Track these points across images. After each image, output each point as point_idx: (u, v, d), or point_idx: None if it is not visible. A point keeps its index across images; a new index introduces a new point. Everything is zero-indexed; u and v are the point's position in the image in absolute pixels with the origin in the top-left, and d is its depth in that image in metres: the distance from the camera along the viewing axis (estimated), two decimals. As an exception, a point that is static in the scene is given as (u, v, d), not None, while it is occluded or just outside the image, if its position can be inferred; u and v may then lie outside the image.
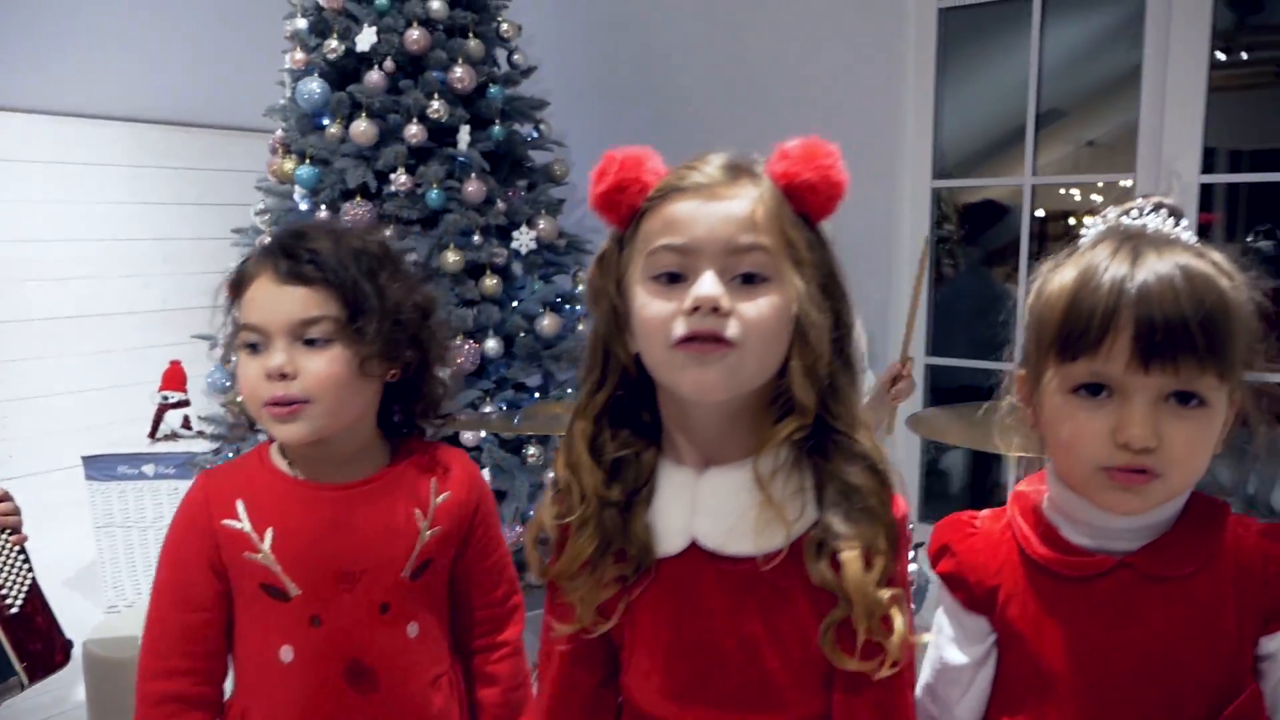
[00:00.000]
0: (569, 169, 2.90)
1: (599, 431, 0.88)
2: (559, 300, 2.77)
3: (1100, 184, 3.10)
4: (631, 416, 0.89)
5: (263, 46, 2.96)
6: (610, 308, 0.87)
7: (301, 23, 2.65)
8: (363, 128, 2.51)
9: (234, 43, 3.50)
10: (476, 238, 2.58)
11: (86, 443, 2.98)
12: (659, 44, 3.26)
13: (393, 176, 2.53)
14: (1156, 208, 0.86)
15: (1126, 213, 0.87)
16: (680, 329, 0.79)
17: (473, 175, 2.57)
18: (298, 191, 2.57)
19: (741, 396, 0.83)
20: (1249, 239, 3.05)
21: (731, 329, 0.79)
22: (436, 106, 2.55)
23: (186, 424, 3.04)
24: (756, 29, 3.05)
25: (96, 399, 3.37)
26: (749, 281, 0.81)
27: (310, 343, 1.01)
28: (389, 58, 2.55)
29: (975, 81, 3.13)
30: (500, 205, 2.65)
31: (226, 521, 1.04)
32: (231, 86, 3.46)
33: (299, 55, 2.62)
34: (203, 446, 2.76)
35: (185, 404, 3.07)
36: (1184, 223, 0.86)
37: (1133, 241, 0.82)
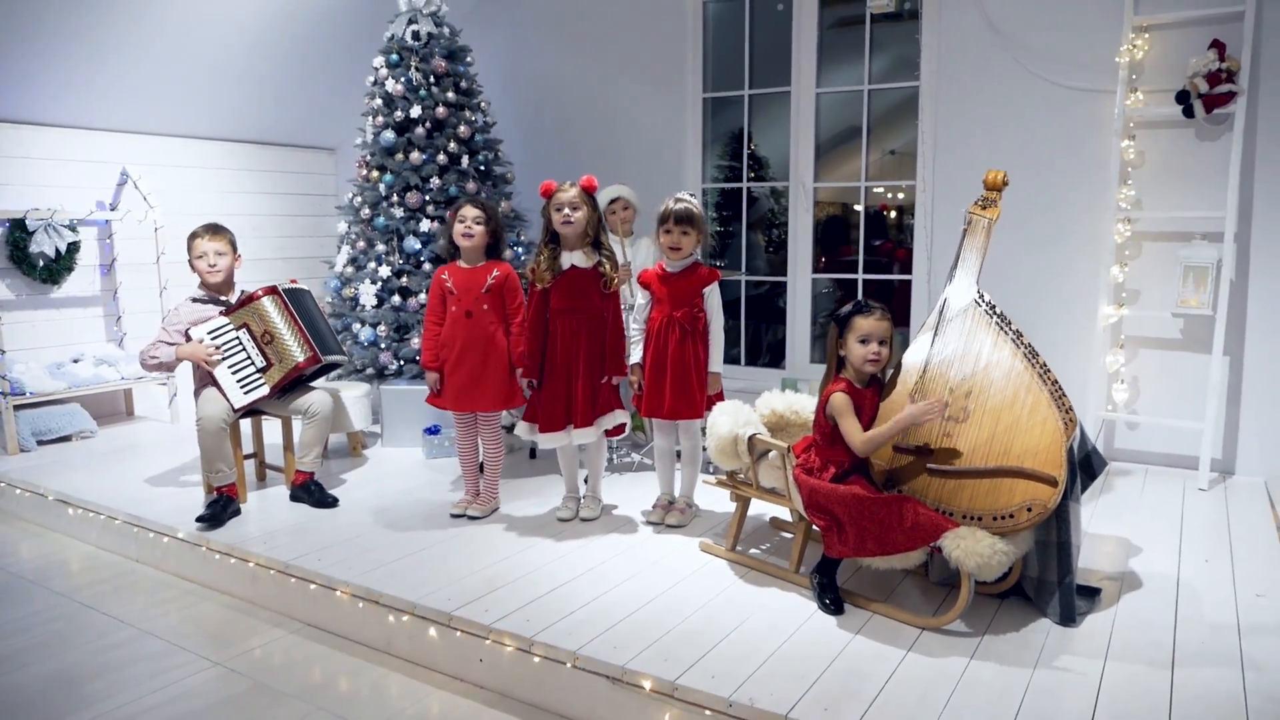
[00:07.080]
0: (514, 176, 5.58)
1: (544, 249, 3.59)
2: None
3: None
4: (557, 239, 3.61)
5: (338, 105, 5.52)
6: (548, 220, 3.58)
7: (378, 101, 5.24)
8: (414, 155, 5.11)
9: (319, 104, 6.04)
10: (472, 210, 5.20)
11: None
12: (561, 107, 6.00)
13: (431, 181, 5.14)
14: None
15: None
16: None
17: (470, 180, 5.20)
18: (382, 186, 5.16)
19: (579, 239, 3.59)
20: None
21: (571, 217, 3.53)
22: (452, 146, 5.18)
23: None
24: (609, 103, 5.80)
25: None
26: (575, 210, 3.53)
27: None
28: (427, 120, 5.17)
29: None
30: (483, 195, 5.29)
31: (444, 276, 3.75)
32: (305, 123, 5.99)
33: (379, 119, 5.21)
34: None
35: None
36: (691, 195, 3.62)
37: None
